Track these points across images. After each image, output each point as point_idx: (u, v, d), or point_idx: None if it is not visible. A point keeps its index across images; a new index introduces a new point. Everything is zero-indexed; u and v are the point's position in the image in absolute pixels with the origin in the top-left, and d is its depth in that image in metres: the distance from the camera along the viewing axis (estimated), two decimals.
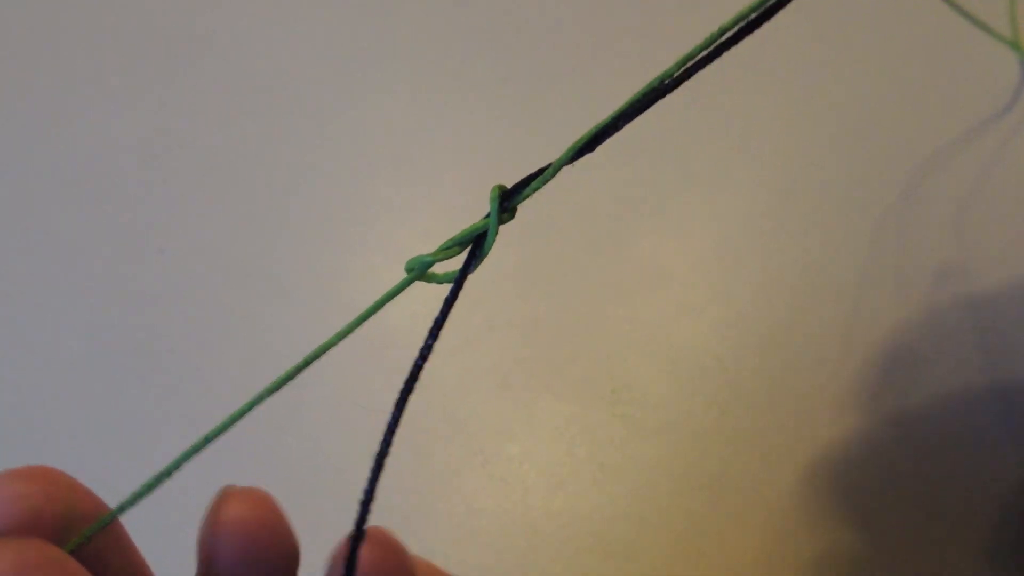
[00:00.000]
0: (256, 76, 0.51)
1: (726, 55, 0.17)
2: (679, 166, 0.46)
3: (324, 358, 0.19)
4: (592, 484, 0.37)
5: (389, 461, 0.18)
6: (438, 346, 0.18)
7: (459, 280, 0.19)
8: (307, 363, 0.19)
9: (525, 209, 0.19)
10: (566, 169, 0.18)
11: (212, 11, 0.53)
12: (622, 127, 0.18)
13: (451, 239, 0.19)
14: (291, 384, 0.19)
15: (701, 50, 0.17)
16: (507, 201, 0.18)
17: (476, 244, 0.19)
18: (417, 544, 0.35)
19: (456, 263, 0.19)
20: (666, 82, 0.18)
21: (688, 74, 0.17)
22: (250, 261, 0.44)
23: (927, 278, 0.42)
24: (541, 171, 0.18)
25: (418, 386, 0.20)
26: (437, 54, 0.52)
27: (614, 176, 0.46)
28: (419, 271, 0.19)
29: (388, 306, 0.19)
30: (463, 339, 0.40)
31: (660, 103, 0.18)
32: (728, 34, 0.17)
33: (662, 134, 0.47)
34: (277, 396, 0.19)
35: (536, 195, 0.18)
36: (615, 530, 0.35)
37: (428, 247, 0.19)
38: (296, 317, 0.42)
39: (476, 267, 0.19)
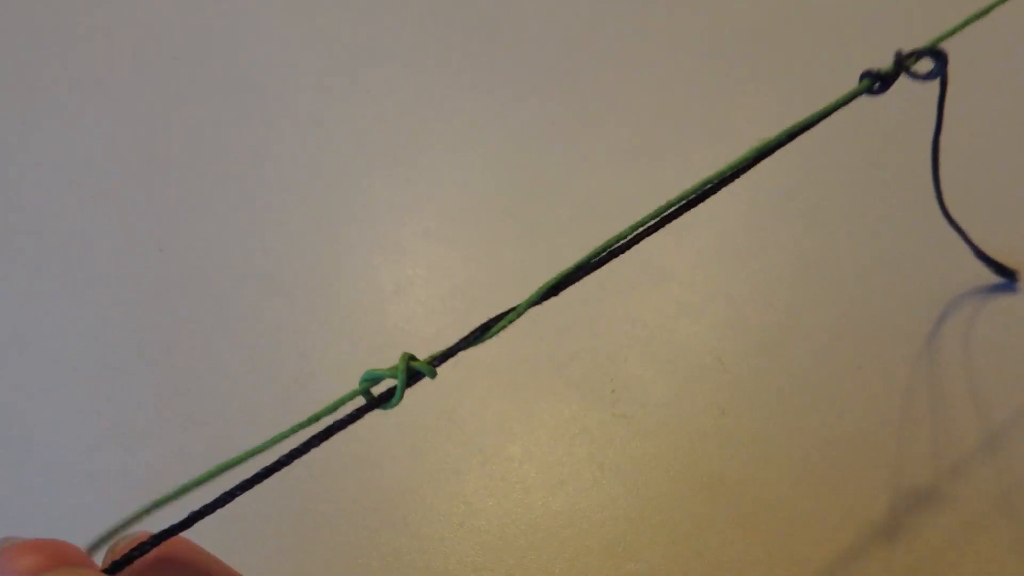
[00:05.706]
0: (256, 76, 0.51)
1: (727, 53, 0.17)
2: (679, 165, 0.46)
3: (329, 358, 0.19)
4: (592, 484, 0.37)
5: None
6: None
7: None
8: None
9: (525, 209, 0.19)
10: (564, 172, 0.18)
11: (212, 10, 0.53)
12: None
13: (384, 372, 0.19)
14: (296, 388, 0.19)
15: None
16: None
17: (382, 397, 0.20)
18: (417, 544, 0.35)
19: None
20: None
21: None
22: (250, 261, 0.44)
23: (928, 278, 0.42)
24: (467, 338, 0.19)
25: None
26: (437, 54, 0.52)
27: (614, 175, 0.45)
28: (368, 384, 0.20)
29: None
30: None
31: (660, 104, 0.18)
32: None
33: (662, 134, 0.47)
34: (275, 397, 0.19)
35: (535, 195, 0.18)
36: (615, 530, 0.35)
37: (427, 247, 0.19)
38: (296, 317, 0.42)
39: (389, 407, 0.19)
